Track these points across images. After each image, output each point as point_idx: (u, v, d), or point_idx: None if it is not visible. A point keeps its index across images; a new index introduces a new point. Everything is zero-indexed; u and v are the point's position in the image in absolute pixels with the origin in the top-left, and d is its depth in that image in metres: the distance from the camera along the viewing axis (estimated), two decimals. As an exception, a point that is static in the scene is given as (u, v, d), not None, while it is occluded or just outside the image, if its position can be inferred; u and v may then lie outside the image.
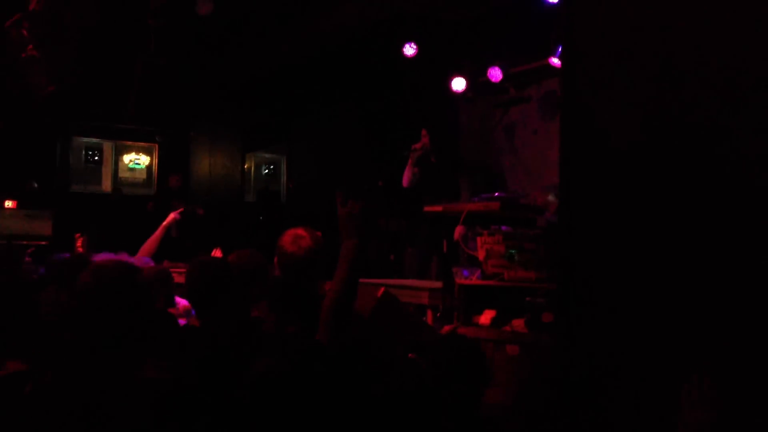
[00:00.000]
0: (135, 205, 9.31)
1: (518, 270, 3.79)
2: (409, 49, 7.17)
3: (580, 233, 2.54)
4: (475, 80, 7.28)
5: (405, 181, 6.70)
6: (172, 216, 5.02)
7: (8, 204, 8.36)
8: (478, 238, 3.95)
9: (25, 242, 7.20)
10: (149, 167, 10.74)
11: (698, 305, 2.15)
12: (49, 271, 3.62)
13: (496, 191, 4.45)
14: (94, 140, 10.45)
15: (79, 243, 6.35)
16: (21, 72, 6.06)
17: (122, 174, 10.62)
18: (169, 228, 4.97)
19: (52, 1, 5.69)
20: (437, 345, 2.59)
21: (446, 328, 3.79)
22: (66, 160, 9.98)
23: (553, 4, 5.91)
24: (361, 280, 2.34)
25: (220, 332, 2.55)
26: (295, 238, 2.73)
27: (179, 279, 3.58)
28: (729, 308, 2.08)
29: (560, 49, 4.32)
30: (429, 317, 4.41)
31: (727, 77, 2.12)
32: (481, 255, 3.92)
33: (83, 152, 10.38)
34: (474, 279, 4.01)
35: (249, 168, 11.78)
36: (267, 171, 12.29)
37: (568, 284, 2.58)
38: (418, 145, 6.61)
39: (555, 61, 6.27)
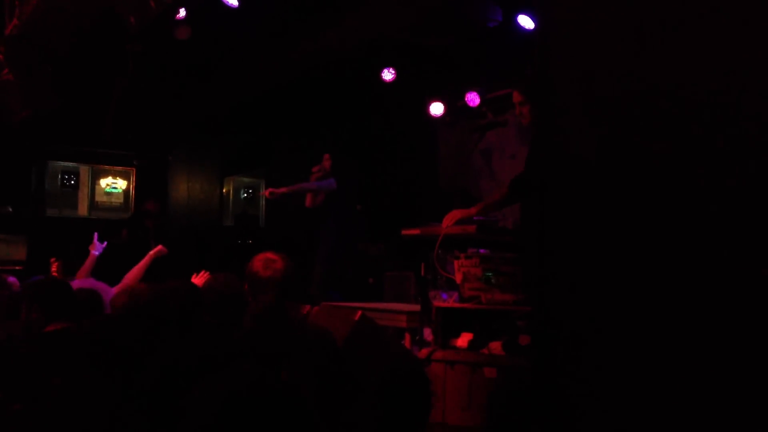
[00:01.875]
0: (111, 230, 9.22)
1: (495, 293, 3.80)
2: (388, 74, 7.22)
3: (554, 255, 2.55)
4: (453, 105, 7.35)
5: (307, 202, 6.81)
6: (159, 248, 5.05)
7: (-18, 229, 8.28)
8: (455, 261, 3.96)
9: (-1, 267, 7.12)
10: (126, 191, 10.66)
11: (675, 328, 2.17)
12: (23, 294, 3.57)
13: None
14: (71, 164, 10.36)
15: (54, 268, 6.28)
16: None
17: (99, 198, 10.53)
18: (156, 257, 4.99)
19: (29, 26, 5.67)
20: (383, 369, 2.56)
21: (424, 352, 3.79)
22: (41, 184, 9.89)
23: (529, 30, 6.00)
24: (339, 303, 2.34)
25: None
26: (267, 262, 2.73)
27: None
28: (705, 333, 2.09)
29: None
30: (407, 340, 4.40)
31: (691, 98, 2.16)
32: (458, 278, 3.93)
33: (59, 176, 10.27)
34: (451, 302, 4.02)
35: (227, 192, 11.73)
36: (245, 195, 12.24)
37: (544, 306, 2.59)
38: (316, 168, 6.69)
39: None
